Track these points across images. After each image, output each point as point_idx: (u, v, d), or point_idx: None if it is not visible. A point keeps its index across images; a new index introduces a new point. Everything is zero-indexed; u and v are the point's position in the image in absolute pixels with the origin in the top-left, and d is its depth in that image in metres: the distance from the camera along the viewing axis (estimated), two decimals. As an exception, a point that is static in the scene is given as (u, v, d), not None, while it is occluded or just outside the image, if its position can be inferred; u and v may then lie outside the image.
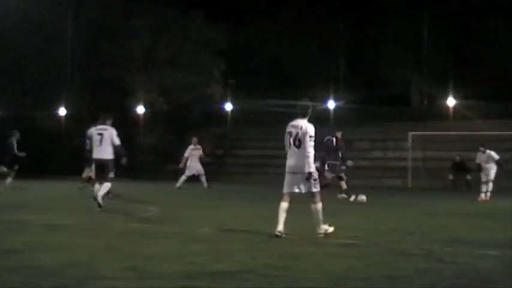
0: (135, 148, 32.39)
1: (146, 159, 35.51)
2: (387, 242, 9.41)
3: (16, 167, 21.29)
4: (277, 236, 9.56)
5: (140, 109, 39.07)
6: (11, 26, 36.69)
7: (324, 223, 9.86)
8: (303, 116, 10.07)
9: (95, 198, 13.66)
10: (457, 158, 28.49)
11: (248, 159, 35.72)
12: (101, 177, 14.07)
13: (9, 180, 20.98)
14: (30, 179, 27.67)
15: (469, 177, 27.42)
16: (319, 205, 9.80)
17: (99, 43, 38.75)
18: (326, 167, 18.70)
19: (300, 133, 9.88)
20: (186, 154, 24.53)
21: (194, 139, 24.96)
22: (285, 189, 10.03)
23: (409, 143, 30.79)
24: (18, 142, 21.47)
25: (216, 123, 38.30)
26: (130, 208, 14.36)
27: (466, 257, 7.99)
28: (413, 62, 38.27)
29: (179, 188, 23.54)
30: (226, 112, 39.28)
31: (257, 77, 41.15)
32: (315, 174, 9.86)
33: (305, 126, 9.90)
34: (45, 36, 38.12)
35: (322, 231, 9.79)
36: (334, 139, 19.20)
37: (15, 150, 21.25)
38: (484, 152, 20.56)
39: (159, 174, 34.76)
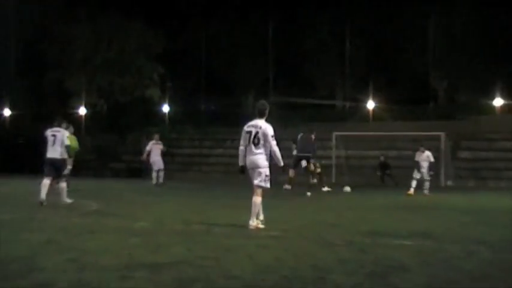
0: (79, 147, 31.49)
1: (89, 157, 34.81)
2: (312, 233, 9.50)
3: None
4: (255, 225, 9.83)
5: (82, 110, 38.39)
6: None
7: (258, 219, 9.91)
8: (260, 116, 10.15)
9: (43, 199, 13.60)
10: (382, 158, 29.24)
11: (185, 157, 35.51)
12: (57, 175, 14.10)
13: None
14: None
15: (388, 172, 28.31)
16: (259, 199, 9.85)
17: (42, 46, 37.84)
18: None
19: (259, 132, 9.94)
20: (147, 147, 24.47)
21: (156, 135, 25.03)
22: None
23: (333, 142, 31.19)
24: None
25: (155, 123, 37.97)
26: (73, 204, 14.06)
27: (384, 247, 8.14)
28: (337, 68, 38.84)
29: (156, 184, 23.45)
30: (164, 113, 39.01)
31: (193, 80, 40.96)
32: (267, 171, 9.96)
33: (264, 126, 10.00)
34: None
35: (254, 223, 9.82)
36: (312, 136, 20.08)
37: None
38: (423, 152, 21.09)
39: (101, 172, 34.25)
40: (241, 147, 10.16)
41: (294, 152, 20.44)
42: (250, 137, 10.00)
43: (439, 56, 36.85)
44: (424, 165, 20.94)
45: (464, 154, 30.99)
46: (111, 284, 5.70)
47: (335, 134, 31.18)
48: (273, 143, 9.91)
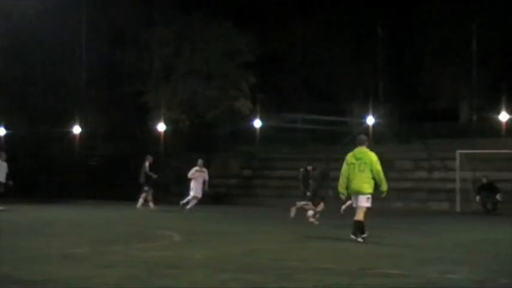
0: (158, 169, 31.86)
1: (168, 180, 35.25)
2: (433, 272, 9.27)
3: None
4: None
5: (161, 127, 38.89)
6: (20, 35, 36.83)
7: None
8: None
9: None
10: (484, 180, 28.48)
11: (279, 180, 35.52)
12: None
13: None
14: (40, 203, 27.99)
15: (498, 197, 28.00)
16: None
17: (117, 54, 38.94)
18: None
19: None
20: (189, 175, 24.80)
21: (200, 161, 25.30)
22: None
23: (457, 163, 30.49)
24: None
25: (244, 141, 38.26)
26: (150, 234, 14.35)
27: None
28: (461, 74, 37.78)
29: (182, 205, 24.76)
30: (255, 129, 39.06)
31: (289, 91, 41.02)
32: None
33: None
34: (56, 47, 38.10)
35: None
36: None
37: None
38: None
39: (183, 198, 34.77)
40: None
41: None
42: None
43: None
44: None
45: None
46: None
47: (459, 152, 30.52)
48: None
